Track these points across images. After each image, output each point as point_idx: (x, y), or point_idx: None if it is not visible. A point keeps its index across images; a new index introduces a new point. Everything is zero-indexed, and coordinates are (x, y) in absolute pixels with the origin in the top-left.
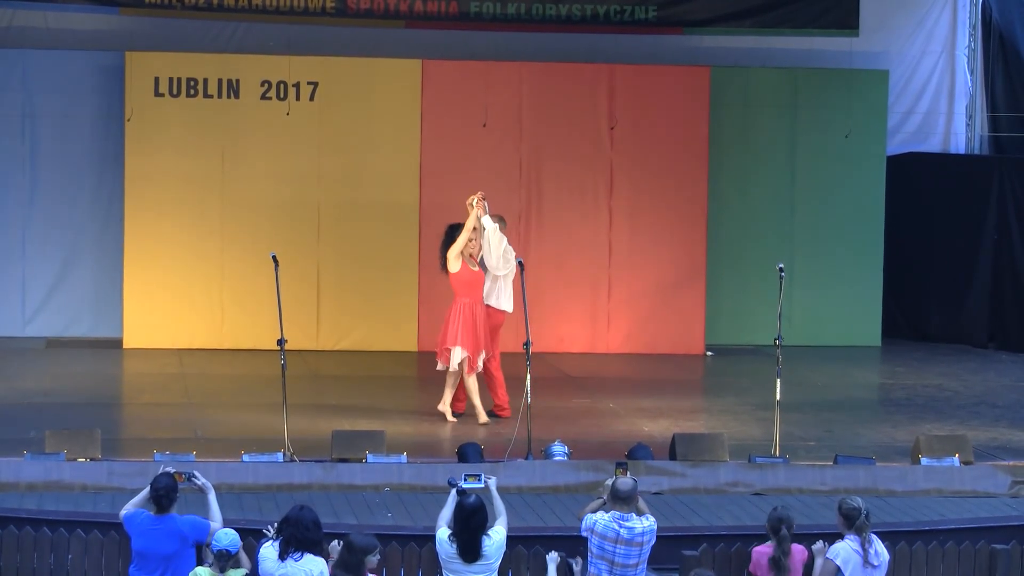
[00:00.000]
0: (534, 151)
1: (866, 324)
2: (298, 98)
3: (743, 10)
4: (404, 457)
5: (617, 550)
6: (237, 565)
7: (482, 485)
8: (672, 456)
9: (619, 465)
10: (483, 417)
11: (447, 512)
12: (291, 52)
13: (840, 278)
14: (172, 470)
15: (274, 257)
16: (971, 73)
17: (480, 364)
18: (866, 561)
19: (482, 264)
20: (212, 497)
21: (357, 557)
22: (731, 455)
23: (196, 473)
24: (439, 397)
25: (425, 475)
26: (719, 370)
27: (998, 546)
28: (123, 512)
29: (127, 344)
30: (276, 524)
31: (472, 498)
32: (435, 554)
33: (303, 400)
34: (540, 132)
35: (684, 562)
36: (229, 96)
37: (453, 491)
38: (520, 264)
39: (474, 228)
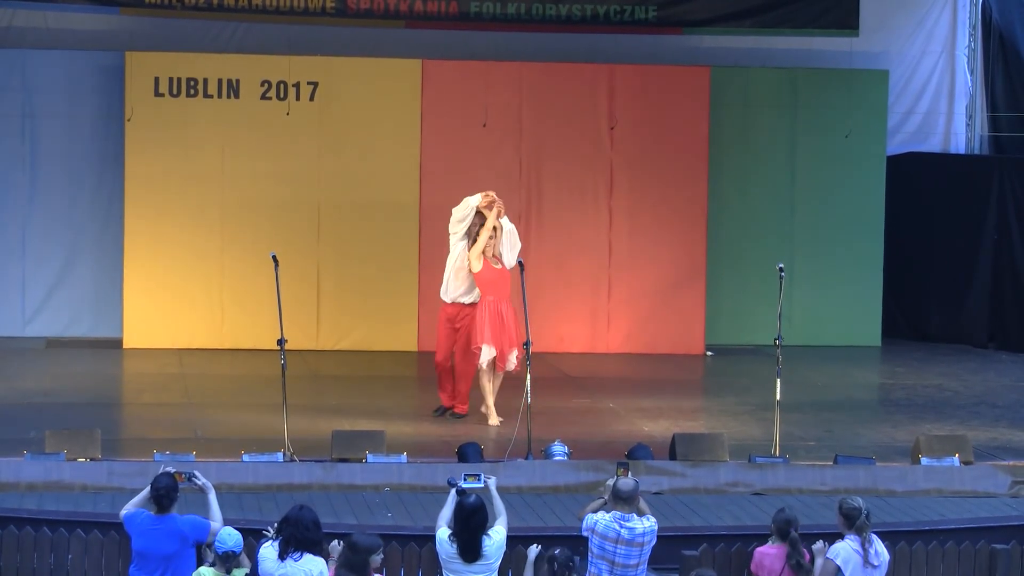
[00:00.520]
0: (534, 151)
1: (866, 324)
2: (298, 98)
3: (743, 10)
4: (404, 457)
5: (618, 550)
6: (239, 565)
7: (482, 485)
8: (672, 456)
9: (620, 465)
10: (494, 419)
11: (447, 512)
12: (291, 52)
13: (840, 278)
14: (172, 470)
15: (274, 257)
16: (971, 73)
17: (512, 362)
18: (866, 561)
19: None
20: (212, 497)
21: (362, 557)
22: (731, 455)
23: (196, 473)
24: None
25: (425, 475)
26: (719, 370)
27: (998, 546)
28: (123, 512)
29: (127, 344)
30: (276, 524)
31: (472, 498)
32: (435, 554)
33: (303, 400)
34: (540, 132)
35: (684, 562)
36: (229, 96)
37: (453, 491)
38: (520, 264)
39: (493, 228)
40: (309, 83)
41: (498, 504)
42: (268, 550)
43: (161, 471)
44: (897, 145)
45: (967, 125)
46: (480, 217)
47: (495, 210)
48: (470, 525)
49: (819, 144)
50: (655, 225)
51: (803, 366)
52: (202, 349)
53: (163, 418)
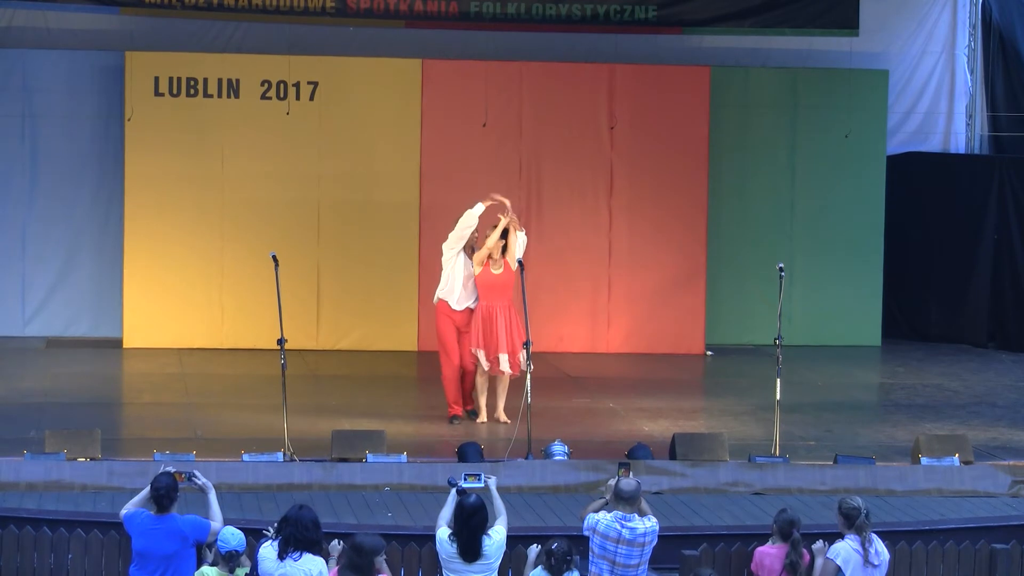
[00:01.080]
0: (534, 151)
1: (866, 324)
2: (298, 98)
3: (743, 10)
4: (404, 457)
5: (619, 550)
6: (241, 564)
7: (482, 485)
8: (672, 456)
9: (622, 465)
10: (481, 416)
11: (447, 512)
12: (291, 52)
13: (840, 278)
14: (172, 470)
15: (274, 257)
16: (971, 73)
17: (504, 365)
18: (866, 561)
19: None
20: (212, 497)
21: (367, 559)
22: (731, 455)
23: (196, 473)
24: (439, 397)
25: (425, 475)
26: (719, 370)
27: (998, 546)
28: (123, 512)
29: (127, 344)
30: (276, 524)
31: (472, 498)
32: (435, 554)
33: (303, 400)
34: (540, 132)
35: (684, 562)
36: (229, 96)
37: (453, 491)
38: (520, 264)
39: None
40: (309, 83)
41: (498, 504)
42: (268, 550)
43: (161, 471)
44: (897, 145)
45: (967, 125)
46: (479, 230)
47: (510, 217)
48: (470, 525)
49: (819, 144)
50: (655, 225)
51: (803, 366)
52: (202, 349)
53: (163, 418)
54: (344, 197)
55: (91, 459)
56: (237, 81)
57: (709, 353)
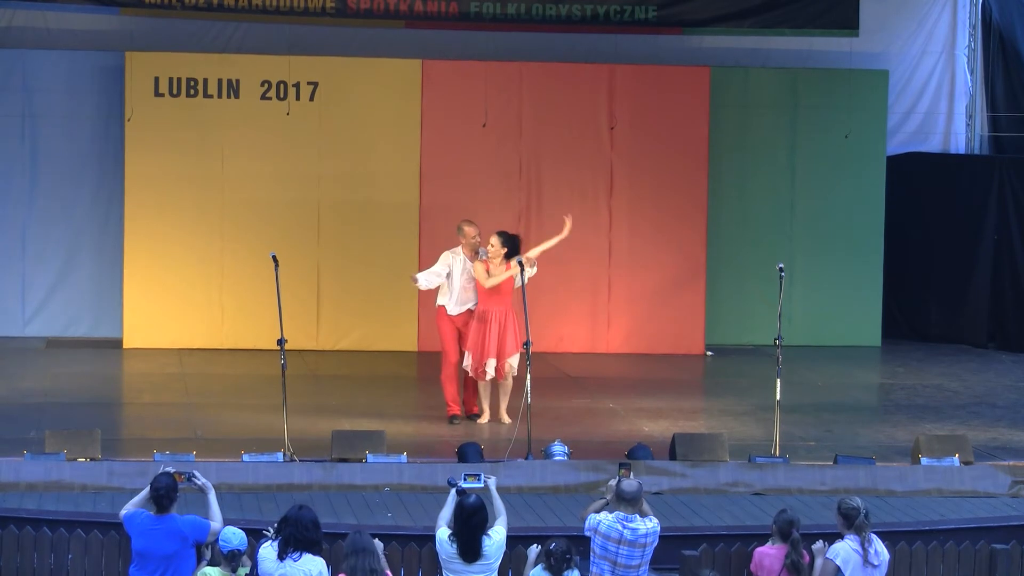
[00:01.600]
0: (534, 151)
1: (866, 324)
2: (298, 98)
3: (743, 10)
4: (404, 457)
5: (620, 551)
6: (243, 564)
7: (481, 485)
8: (672, 456)
9: (623, 466)
10: (484, 417)
11: (447, 512)
12: (291, 52)
13: (840, 278)
14: (172, 470)
15: (274, 257)
16: (971, 73)
17: (488, 370)
18: (866, 561)
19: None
20: (212, 497)
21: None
22: (731, 455)
23: (196, 473)
24: (439, 397)
25: (425, 475)
26: (719, 370)
27: (998, 546)
28: (123, 512)
29: (127, 344)
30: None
31: (472, 498)
32: (435, 554)
33: (303, 400)
34: (540, 132)
35: (684, 562)
36: (229, 96)
37: (453, 491)
38: (520, 264)
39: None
40: (309, 83)
41: (498, 504)
42: (268, 550)
43: (161, 471)
44: (897, 145)
45: (967, 125)
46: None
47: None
48: (470, 525)
49: (819, 144)
50: (655, 225)
51: (803, 366)
52: (202, 349)
53: (163, 418)
54: (344, 197)
55: (91, 459)
56: (237, 81)
57: (709, 353)
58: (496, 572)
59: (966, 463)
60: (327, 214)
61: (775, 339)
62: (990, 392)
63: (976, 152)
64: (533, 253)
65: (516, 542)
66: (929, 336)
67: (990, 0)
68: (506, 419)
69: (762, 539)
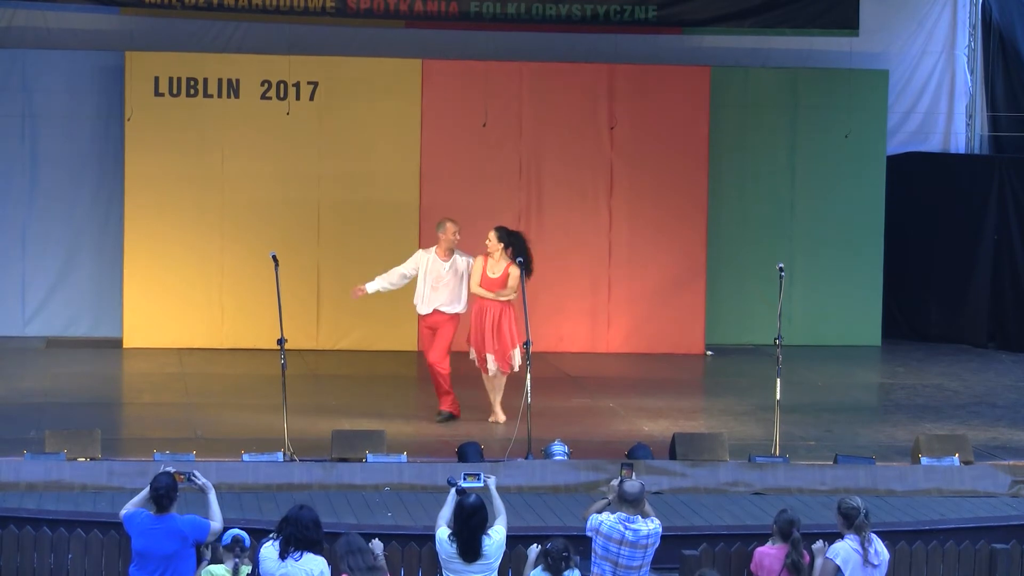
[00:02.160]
0: (534, 151)
1: (866, 324)
2: (298, 98)
3: (743, 10)
4: (404, 457)
5: (621, 551)
6: (247, 560)
7: (481, 484)
8: (672, 456)
9: (624, 466)
10: (498, 416)
11: (446, 512)
12: (291, 52)
13: (840, 278)
14: (172, 470)
15: (274, 257)
16: (971, 73)
17: (489, 365)
18: (866, 560)
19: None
20: (212, 497)
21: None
22: (731, 455)
23: (196, 473)
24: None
25: (425, 475)
26: (719, 370)
27: (998, 546)
28: (123, 512)
29: (127, 344)
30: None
31: (472, 497)
32: (435, 554)
33: (303, 400)
34: (540, 132)
35: (684, 562)
36: (229, 96)
37: (452, 491)
38: (520, 264)
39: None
40: (309, 83)
41: (498, 504)
42: (268, 550)
43: (161, 471)
44: (897, 145)
45: (967, 125)
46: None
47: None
48: (470, 524)
49: (819, 144)
50: (655, 225)
51: (803, 366)
52: (202, 349)
53: (163, 418)
54: (344, 197)
55: (91, 459)
56: (237, 81)
57: (709, 353)
58: (496, 572)
59: (966, 463)
60: (327, 214)
61: (775, 339)
62: (990, 392)
63: (976, 152)
64: (513, 283)
65: (516, 542)
66: (929, 336)
67: (990, 0)
68: (501, 416)
69: (762, 539)
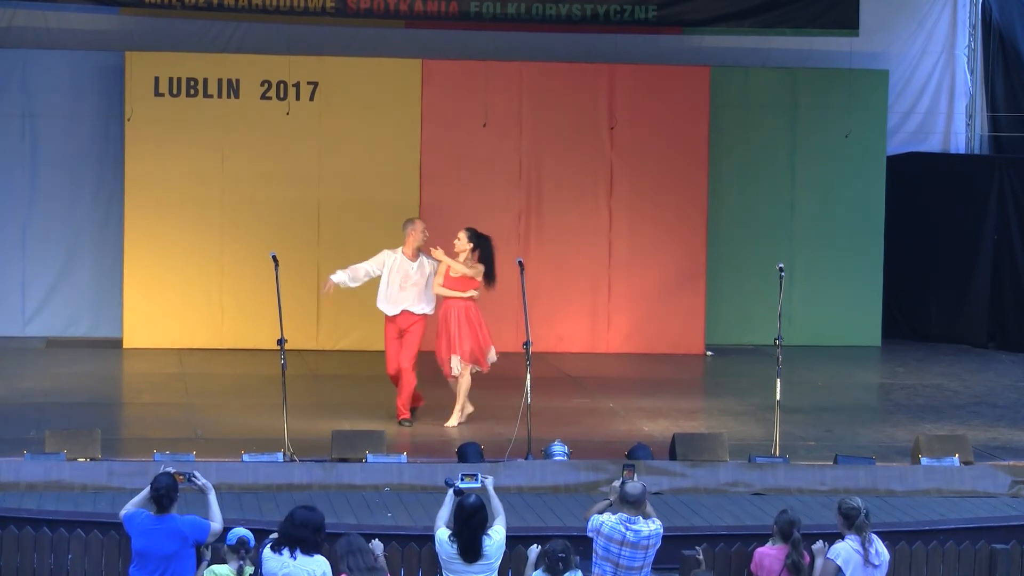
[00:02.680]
0: (534, 151)
1: (866, 324)
2: (298, 98)
3: (743, 10)
4: (404, 457)
5: (622, 552)
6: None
7: (479, 485)
8: (672, 456)
9: (626, 467)
10: (463, 416)
11: (445, 512)
12: (291, 52)
13: (840, 278)
14: (172, 470)
15: (274, 257)
16: (971, 73)
17: (453, 366)
18: (867, 561)
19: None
20: (212, 497)
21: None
22: (731, 455)
23: (196, 473)
24: (438, 398)
25: (425, 475)
26: (719, 370)
27: (998, 546)
28: (123, 512)
29: (127, 344)
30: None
31: (472, 498)
32: (435, 554)
33: (303, 400)
34: (540, 132)
35: (684, 562)
36: (229, 96)
37: (450, 491)
38: (520, 264)
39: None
40: (309, 83)
41: (496, 504)
42: (271, 550)
43: (161, 471)
44: (897, 145)
45: (967, 125)
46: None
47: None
48: (471, 525)
49: (819, 144)
50: (655, 225)
51: (803, 366)
52: (202, 349)
53: (163, 418)
54: (344, 197)
55: (91, 459)
56: (237, 81)
57: (709, 353)
58: (496, 572)
59: (966, 463)
60: (327, 214)
61: (775, 339)
62: (990, 392)
63: (976, 152)
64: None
65: (516, 542)
66: (929, 336)
67: (990, 0)
68: (455, 422)
69: (762, 539)
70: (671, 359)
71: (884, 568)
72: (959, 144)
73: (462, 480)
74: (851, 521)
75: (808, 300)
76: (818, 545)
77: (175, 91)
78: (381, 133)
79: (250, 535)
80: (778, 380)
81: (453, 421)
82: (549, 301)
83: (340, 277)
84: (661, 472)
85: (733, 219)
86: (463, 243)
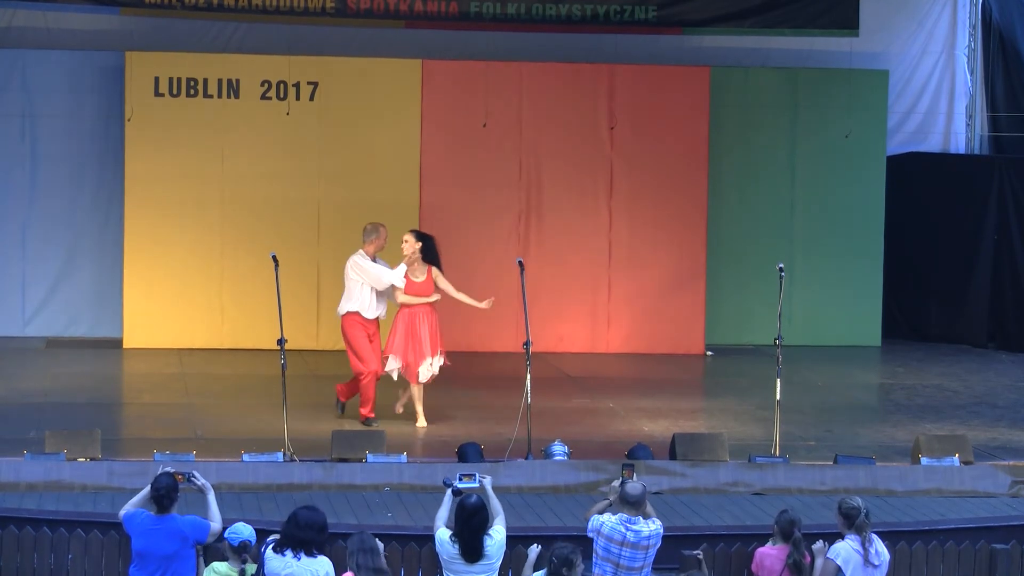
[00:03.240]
0: (534, 151)
1: (866, 324)
2: (298, 98)
3: (743, 10)
4: (404, 457)
5: (623, 553)
6: (253, 559)
7: (476, 485)
8: (672, 456)
9: (626, 467)
10: (420, 420)
11: (443, 512)
12: (291, 52)
13: (840, 278)
14: (171, 470)
15: (274, 257)
16: (971, 73)
17: (423, 371)
18: (867, 561)
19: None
20: (211, 497)
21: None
22: (731, 455)
23: (195, 473)
24: (438, 398)
25: (425, 475)
26: (719, 370)
27: (998, 546)
28: (122, 512)
29: (127, 344)
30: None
31: (474, 498)
32: (435, 554)
33: (303, 400)
34: (540, 132)
35: (684, 562)
36: (229, 96)
37: (448, 492)
38: (520, 264)
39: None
40: (309, 83)
41: (495, 504)
42: (273, 550)
43: (160, 471)
44: (897, 145)
45: (967, 125)
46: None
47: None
48: (472, 525)
49: (819, 144)
50: (655, 225)
51: (803, 366)
52: (202, 349)
53: (163, 418)
54: (344, 197)
55: (91, 459)
56: (237, 81)
57: (709, 353)
58: (497, 572)
59: (966, 463)
60: (327, 214)
61: (775, 339)
62: (990, 392)
63: (976, 152)
64: (443, 284)
65: (516, 542)
66: (929, 336)
67: (990, 0)
68: (422, 422)
69: (762, 539)
70: (671, 359)
71: (884, 568)
72: (959, 144)
73: (460, 480)
74: (851, 521)
75: (808, 300)
76: (818, 545)
77: (175, 91)
78: (381, 133)
79: (252, 534)
80: (778, 380)
81: (422, 421)
82: (549, 301)
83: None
84: (661, 472)
85: (733, 219)
86: (412, 243)
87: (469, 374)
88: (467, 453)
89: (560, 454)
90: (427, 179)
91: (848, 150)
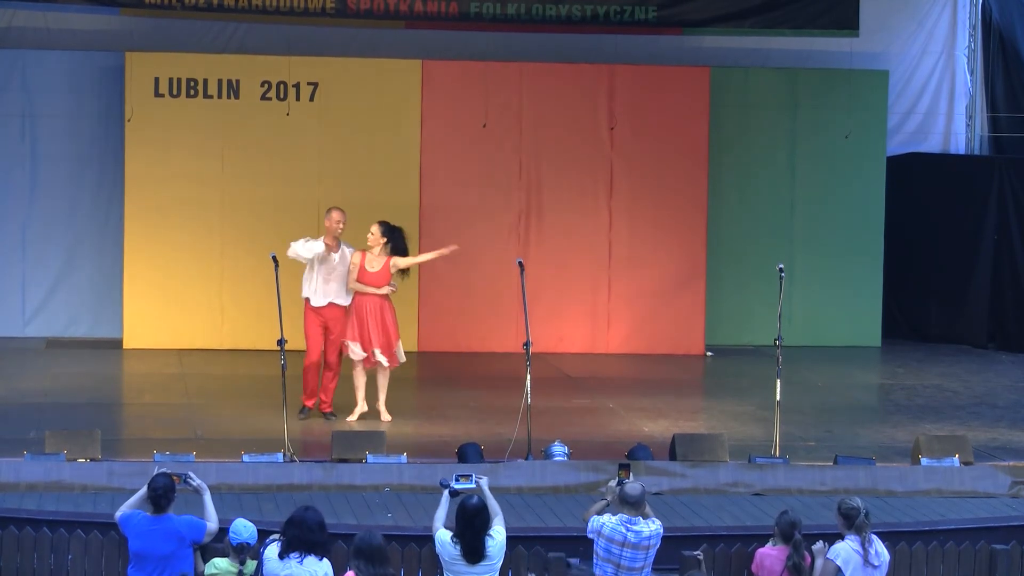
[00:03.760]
0: (534, 151)
1: (866, 324)
2: (298, 98)
3: (743, 10)
4: (404, 457)
5: (624, 553)
6: (253, 557)
7: (473, 486)
8: (672, 456)
9: (622, 467)
10: (359, 408)
11: (442, 513)
12: (291, 52)
13: (840, 278)
14: (167, 471)
15: (274, 257)
16: (971, 73)
17: (380, 358)
18: (866, 561)
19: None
20: (208, 498)
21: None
22: (731, 455)
23: (191, 474)
24: (439, 397)
25: (425, 475)
26: (719, 370)
27: (998, 546)
28: (118, 514)
29: (127, 344)
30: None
31: (475, 499)
32: (435, 554)
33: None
34: (540, 132)
35: (684, 562)
36: (229, 96)
37: (445, 492)
38: (520, 264)
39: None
40: (309, 83)
41: (493, 504)
42: (272, 551)
43: (157, 472)
44: (897, 145)
45: (967, 125)
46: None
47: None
48: (473, 526)
49: (819, 144)
50: (655, 225)
51: (803, 366)
52: (202, 349)
53: (163, 418)
54: (344, 197)
55: (91, 459)
56: (237, 81)
57: (709, 354)
58: (498, 572)
59: (966, 463)
60: None
61: (775, 339)
62: (990, 392)
63: (976, 152)
64: (405, 263)
65: (516, 542)
66: (929, 336)
67: (990, 0)
68: (386, 416)
69: (762, 540)
70: (671, 359)
71: (884, 568)
72: (959, 144)
73: (457, 481)
74: (851, 521)
75: (808, 300)
76: (818, 545)
77: (175, 91)
78: (381, 133)
79: (252, 534)
80: (778, 380)
81: (385, 414)
82: (549, 301)
83: (295, 248)
84: (661, 472)
85: (733, 219)
86: (377, 237)
87: (469, 374)
88: (467, 453)
89: (560, 454)
90: (427, 179)
91: (848, 150)
